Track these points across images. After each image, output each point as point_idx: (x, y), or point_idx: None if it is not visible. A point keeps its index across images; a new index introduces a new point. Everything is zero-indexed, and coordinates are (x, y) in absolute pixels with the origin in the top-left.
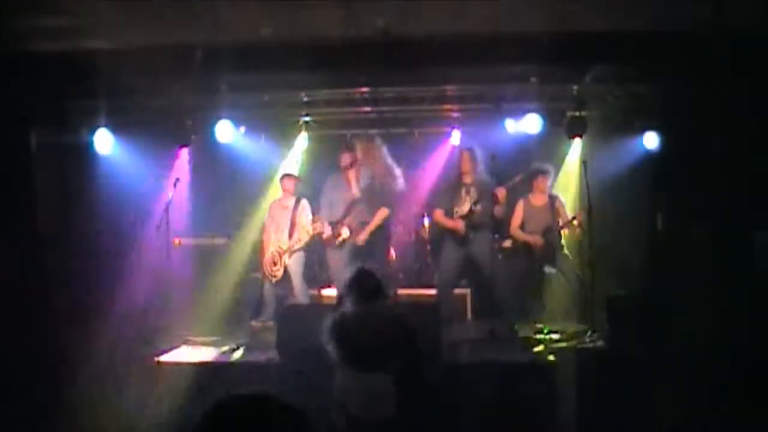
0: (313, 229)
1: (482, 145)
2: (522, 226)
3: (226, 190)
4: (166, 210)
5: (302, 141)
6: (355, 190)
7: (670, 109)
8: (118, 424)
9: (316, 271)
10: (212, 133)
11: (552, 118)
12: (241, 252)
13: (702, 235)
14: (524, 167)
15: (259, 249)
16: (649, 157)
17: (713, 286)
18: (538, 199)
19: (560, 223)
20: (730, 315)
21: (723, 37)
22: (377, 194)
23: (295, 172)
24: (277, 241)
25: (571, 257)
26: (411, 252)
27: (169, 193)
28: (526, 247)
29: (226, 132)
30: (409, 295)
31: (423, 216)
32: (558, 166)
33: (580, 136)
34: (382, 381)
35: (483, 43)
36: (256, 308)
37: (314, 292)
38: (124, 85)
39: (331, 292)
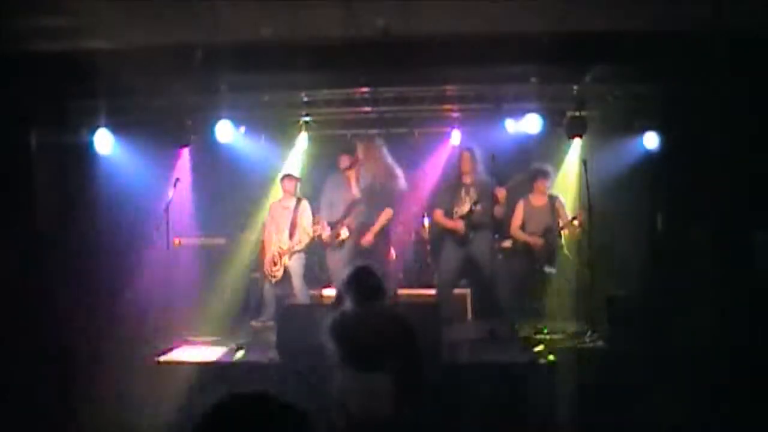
0: (314, 231)
1: (482, 145)
2: (522, 227)
3: (226, 191)
4: (166, 210)
5: (302, 141)
6: (356, 191)
7: (670, 109)
8: (118, 424)
9: (316, 271)
10: (212, 133)
11: (552, 118)
12: (241, 252)
13: (702, 235)
14: (524, 167)
15: (259, 249)
16: (649, 157)
17: (713, 286)
18: (538, 200)
19: (560, 224)
20: (730, 315)
21: (723, 37)
22: (377, 194)
23: (296, 173)
24: (277, 242)
25: (571, 257)
26: (411, 252)
27: (169, 193)
28: (526, 247)
29: (226, 132)
30: (409, 295)
31: (423, 216)
32: (558, 166)
33: (580, 136)
34: (382, 381)
35: (483, 43)
36: (256, 308)
37: (314, 292)
38: (124, 85)
39: (331, 292)
